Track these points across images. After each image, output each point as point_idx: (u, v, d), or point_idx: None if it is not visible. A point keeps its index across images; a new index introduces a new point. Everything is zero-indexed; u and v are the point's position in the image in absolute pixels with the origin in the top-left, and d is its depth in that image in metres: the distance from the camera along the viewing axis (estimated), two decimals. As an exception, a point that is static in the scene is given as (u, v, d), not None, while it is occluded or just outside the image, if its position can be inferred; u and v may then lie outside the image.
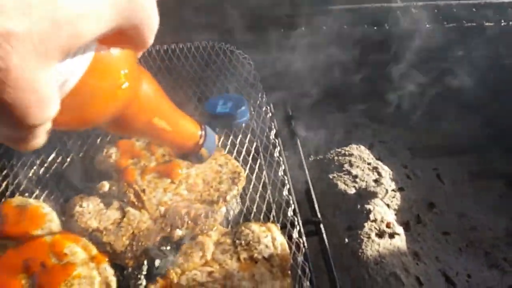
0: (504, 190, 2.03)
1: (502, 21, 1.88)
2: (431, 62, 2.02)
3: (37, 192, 1.27)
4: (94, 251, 1.10)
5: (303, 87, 1.99)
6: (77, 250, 1.08)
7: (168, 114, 0.75)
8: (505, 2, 1.89)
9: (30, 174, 1.32)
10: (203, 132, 0.90)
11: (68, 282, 1.02)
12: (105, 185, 1.23)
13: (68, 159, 1.37)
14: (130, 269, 1.13)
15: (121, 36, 0.47)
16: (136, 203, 1.18)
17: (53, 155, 1.37)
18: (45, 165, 1.35)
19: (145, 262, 1.13)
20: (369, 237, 1.57)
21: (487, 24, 1.89)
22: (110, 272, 1.07)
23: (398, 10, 1.85)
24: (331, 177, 1.81)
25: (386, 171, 1.83)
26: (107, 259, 1.09)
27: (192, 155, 0.91)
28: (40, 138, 0.45)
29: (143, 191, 1.21)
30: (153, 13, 0.49)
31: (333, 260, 1.26)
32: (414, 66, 2.06)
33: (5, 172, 1.34)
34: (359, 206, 1.67)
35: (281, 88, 1.72)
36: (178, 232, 1.14)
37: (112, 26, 0.43)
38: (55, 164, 1.35)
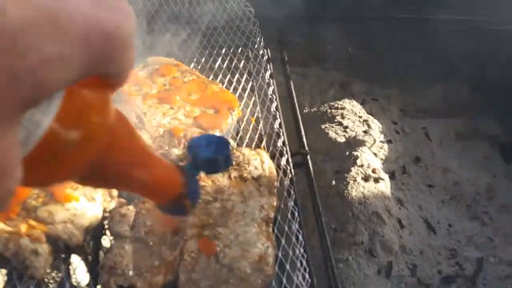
0: (489, 152, 2.11)
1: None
2: (425, 24, 2.10)
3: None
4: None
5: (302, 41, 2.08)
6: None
7: (146, 162, 0.64)
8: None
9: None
10: (186, 181, 0.78)
11: (74, 186, 1.11)
12: (108, 108, 1.32)
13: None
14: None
15: (92, 79, 0.39)
16: (137, 124, 1.27)
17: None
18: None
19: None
20: (355, 180, 1.66)
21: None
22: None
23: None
24: (323, 127, 1.89)
25: (376, 124, 1.91)
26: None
27: (174, 207, 0.79)
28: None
29: (144, 114, 1.29)
30: (132, 50, 0.40)
31: (320, 201, 1.34)
32: (408, 29, 2.14)
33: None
34: (347, 153, 1.76)
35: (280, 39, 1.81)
36: (175, 151, 1.23)
37: (84, 73, 0.34)
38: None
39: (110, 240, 1.12)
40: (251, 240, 1.08)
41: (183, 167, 0.80)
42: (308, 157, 1.37)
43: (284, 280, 1.09)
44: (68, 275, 1.09)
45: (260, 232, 1.11)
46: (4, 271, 1.08)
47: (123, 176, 0.60)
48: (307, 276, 1.10)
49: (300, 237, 1.15)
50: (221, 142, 0.97)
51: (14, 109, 0.30)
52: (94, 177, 0.52)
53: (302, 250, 1.14)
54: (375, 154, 1.80)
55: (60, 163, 0.42)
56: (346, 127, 1.87)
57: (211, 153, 0.89)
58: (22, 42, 0.28)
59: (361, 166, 1.70)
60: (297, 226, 1.17)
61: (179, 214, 0.82)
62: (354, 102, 2.02)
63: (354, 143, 1.79)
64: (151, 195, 0.74)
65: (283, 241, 1.14)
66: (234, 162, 1.21)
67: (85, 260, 1.11)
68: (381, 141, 1.86)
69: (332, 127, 1.88)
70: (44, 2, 0.29)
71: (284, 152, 1.33)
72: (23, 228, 1.06)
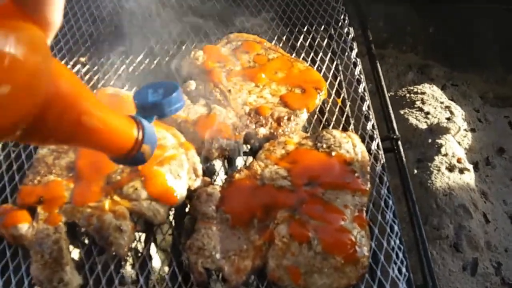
0: None
1: None
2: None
3: (126, 87, 1.32)
4: (183, 139, 1.15)
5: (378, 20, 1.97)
6: (167, 136, 1.13)
7: (97, 110, 0.64)
8: None
9: (120, 72, 1.38)
10: (140, 126, 0.78)
11: (161, 162, 1.07)
12: (192, 84, 1.27)
13: (155, 61, 1.42)
14: (214, 161, 1.18)
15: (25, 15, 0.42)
16: (222, 101, 1.22)
17: (140, 57, 1.42)
18: (134, 65, 1.40)
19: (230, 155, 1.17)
20: (439, 170, 1.56)
21: None
22: (197, 159, 1.12)
23: None
24: (402, 112, 1.79)
25: (459, 111, 1.80)
26: (194, 147, 1.14)
27: (133, 156, 0.78)
28: None
29: (229, 91, 1.24)
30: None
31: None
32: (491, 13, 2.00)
33: (95, 68, 1.40)
34: (430, 141, 1.66)
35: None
36: (262, 131, 1.18)
37: None
38: (143, 65, 1.40)
39: (195, 220, 1.07)
40: (344, 227, 1.02)
41: (134, 116, 0.82)
42: (399, 142, 1.28)
43: (379, 273, 1.02)
44: (149, 254, 1.06)
45: (353, 220, 1.04)
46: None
47: (77, 127, 0.60)
48: (403, 269, 1.02)
49: (396, 228, 1.08)
50: (169, 86, 0.96)
51: None
52: (44, 130, 0.52)
53: (398, 241, 1.06)
54: (458, 143, 1.70)
55: (3, 112, 0.42)
56: (428, 113, 1.76)
57: (158, 98, 0.90)
58: None
59: (445, 155, 1.60)
60: (391, 215, 1.10)
61: (138, 162, 0.82)
62: (435, 87, 1.91)
63: (437, 130, 1.69)
64: (107, 146, 0.74)
65: (376, 231, 1.07)
66: (324, 144, 1.15)
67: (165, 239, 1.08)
68: (465, 129, 1.75)
69: (412, 112, 1.78)
70: None
71: (374, 136, 1.25)
72: (107, 203, 1.03)
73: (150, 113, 0.88)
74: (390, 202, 1.12)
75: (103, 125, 0.66)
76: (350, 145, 1.16)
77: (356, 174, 1.10)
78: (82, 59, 1.44)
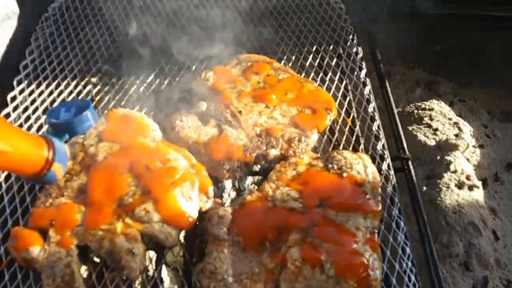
0: None
1: None
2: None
3: (137, 107, 1.33)
4: (194, 160, 1.15)
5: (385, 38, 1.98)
6: (179, 157, 1.13)
7: (4, 133, 0.67)
8: None
9: (131, 92, 1.39)
10: (51, 145, 0.81)
11: (173, 184, 1.08)
12: (203, 105, 1.28)
13: (166, 82, 1.43)
14: (225, 182, 1.18)
15: None
16: (233, 122, 1.23)
17: (151, 77, 1.43)
18: (144, 85, 1.41)
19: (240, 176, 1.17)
20: (448, 187, 1.56)
21: None
22: (208, 180, 1.12)
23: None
24: (410, 129, 1.80)
25: (467, 127, 1.80)
26: (205, 169, 1.14)
27: (44, 175, 0.81)
28: None
29: (240, 112, 1.25)
30: None
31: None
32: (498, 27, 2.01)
33: (106, 88, 1.42)
34: (438, 157, 1.66)
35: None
36: (273, 152, 1.18)
37: None
38: (153, 85, 1.41)
39: (206, 241, 1.07)
40: (356, 250, 1.02)
41: (45, 136, 0.84)
42: (410, 162, 1.28)
43: (391, 295, 1.02)
44: (160, 276, 1.07)
45: (366, 242, 1.04)
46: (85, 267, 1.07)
47: None
48: (416, 292, 1.03)
49: (407, 250, 1.08)
50: (81, 105, 1.01)
51: None
52: None
53: (410, 263, 1.06)
54: (467, 160, 1.69)
55: None
56: (436, 129, 1.76)
57: (70, 116, 0.95)
58: None
59: (455, 172, 1.60)
60: (403, 236, 1.10)
61: (51, 181, 0.86)
62: (443, 103, 1.91)
63: (446, 147, 1.69)
64: (18, 166, 0.76)
65: (388, 253, 1.07)
66: (335, 165, 1.15)
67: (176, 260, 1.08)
68: (473, 146, 1.75)
69: (421, 129, 1.78)
70: None
71: (385, 156, 1.25)
72: (119, 226, 1.03)
73: (62, 131, 0.92)
74: (402, 223, 1.12)
75: (10, 147, 0.69)
76: (361, 166, 1.16)
77: (368, 196, 1.10)
78: (93, 80, 1.45)
